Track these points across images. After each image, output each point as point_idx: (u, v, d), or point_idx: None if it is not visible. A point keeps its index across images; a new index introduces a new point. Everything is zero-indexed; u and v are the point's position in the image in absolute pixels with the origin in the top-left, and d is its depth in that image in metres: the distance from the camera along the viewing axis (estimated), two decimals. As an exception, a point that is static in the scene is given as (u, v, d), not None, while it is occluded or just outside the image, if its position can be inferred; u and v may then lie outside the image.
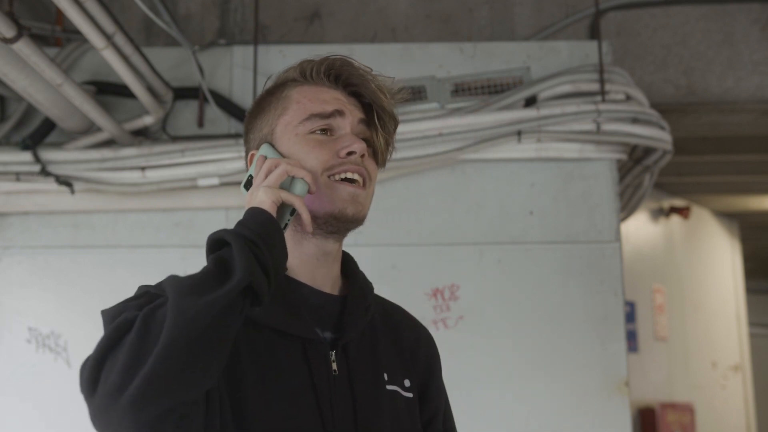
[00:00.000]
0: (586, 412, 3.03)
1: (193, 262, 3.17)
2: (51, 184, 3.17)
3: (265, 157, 1.21)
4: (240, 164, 3.16)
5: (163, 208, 3.24)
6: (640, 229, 5.14)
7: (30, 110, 3.26)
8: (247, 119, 1.32)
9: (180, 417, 1.00)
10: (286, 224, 1.16)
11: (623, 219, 3.84)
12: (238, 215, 3.70)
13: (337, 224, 1.22)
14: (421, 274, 3.15)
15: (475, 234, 3.18)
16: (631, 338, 4.72)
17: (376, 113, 1.26)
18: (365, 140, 1.25)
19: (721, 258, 6.17)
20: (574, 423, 3.03)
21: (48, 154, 3.17)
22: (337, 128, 1.24)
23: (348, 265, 1.32)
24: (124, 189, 3.18)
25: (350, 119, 1.24)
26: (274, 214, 1.11)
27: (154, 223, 3.24)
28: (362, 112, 1.26)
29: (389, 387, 1.26)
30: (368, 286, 1.32)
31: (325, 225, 1.22)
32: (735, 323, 6.10)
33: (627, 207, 3.81)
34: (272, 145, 1.23)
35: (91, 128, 3.21)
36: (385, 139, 1.28)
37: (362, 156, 1.23)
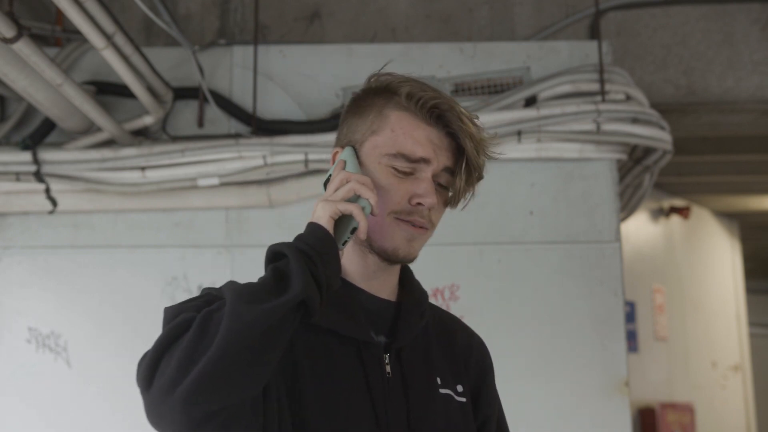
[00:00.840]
0: (586, 412, 3.03)
1: (193, 262, 3.17)
2: (51, 184, 3.17)
3: (345, 163, 1.24)
4: (239, 164, 3.16)
5: (163, 208, 3.23)
6: (640, 229, 5.14)
7: (30, 110, 3.26)
8: (347, 110, 1.32)
9: (227, 417, 1.04)
10: (347, 240, 1.19)
11: (623, 219, 3.84)
12: (237, 215, 3.68)
13: (387, 258, 1.26)
14: (421, 274, 3.13)
15: (475, 234, 3.18)
16: (631, 338, 4.72)
17: (465, 162, 1.27)
18: (445, 184, 1.27)
19: (721, 258, 6.17)
20: (574, 423, 3.03)
21: (48, 154, 3.17)
22: (419, 169, 1.25)
23: (404, 273, 1.36)
24: (124, 189, 3.18)
25: (434, 166, 1.25)
26: (331, 228, 1.15)
27: (154, 223, 3.24)
28: (451, 155, 1.27)
29: (442, 391, 1.29)
30: (423, 294, 1.37)
31: (377, 253, 1.26)
32: (735, 323, 6.11)
33: (627, 207, 3.81)
34: (356, 152, 1.26)
35: (91, 128, 3.21)
36: (465, 188, 1.30)
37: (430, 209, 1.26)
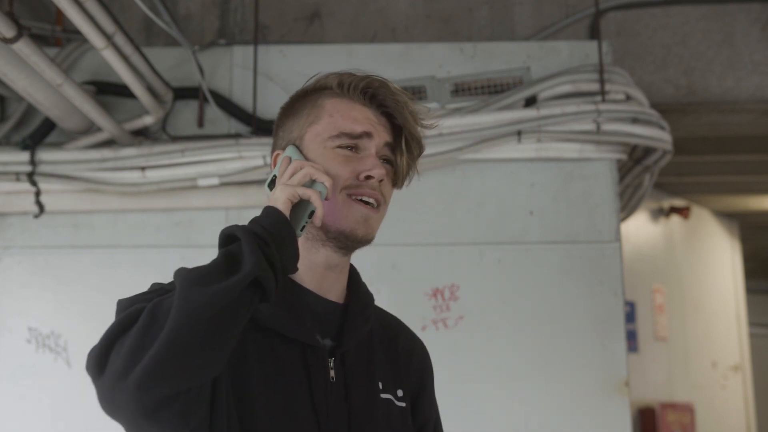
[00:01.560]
0: (586, 412, 3.03)
1: (193, 262, 3.16)
2: (51, 184, 3.18)
3: (290, 159, 1.25)
4: (239, 164, 3.16)
5: (163, 208, 3.23)
6: (640, 229, 5.14)
7: (30, 110, 3.26)
8: (279, 117, 1.34)
9: (182, 406, 1.02)
10: (305, 225, 1.19)
11: (623, 219, 3.84)
12: (238, 215, 3.68)
13: (346, 242, 1.25)
14: (421, 274, 3.15)
15: (475, 234, 3.18)
16: (631, 338, 4.72)
17: (404, 137, 1.29)
18: (388, 161, 1.29)
19: (721, 258, 6.17)
20: (574, 423, 3.03)
21: (48, 154, 3.17)
22: (363, 147, 1.27)
23: (351, 275, 1.35)
24: (124, 189, 3.18)
25: (377, 141, 1.27)
26: (288, 212, 1.14)
27: (154, 223, 3.24)
28: (390, 133, 1.30)
29: (383, 396, 1.29)
30: (369, 297, 1.36)
31: (334, 240, 1.25)
32: (735, 323, 6.10)
33: (627, 207, 3.81)
34: (298, 148, 1.27)
35: (91, 128, 3.21)
36: (408, 163, 1.32)
37: (380, 181, 1.26)
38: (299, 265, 1.22)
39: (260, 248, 1.06)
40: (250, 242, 1.06)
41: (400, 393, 1.33)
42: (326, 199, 1.20)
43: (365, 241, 1.27)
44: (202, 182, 3.18)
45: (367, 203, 1.25)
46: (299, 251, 1.18)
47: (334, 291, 1.29)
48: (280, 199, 1.15)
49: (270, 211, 1.13)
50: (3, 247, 3.26)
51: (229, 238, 1.10)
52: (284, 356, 1.21)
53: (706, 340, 5.68)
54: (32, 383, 3.15)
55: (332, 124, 1.26)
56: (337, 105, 1.28)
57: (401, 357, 1.37)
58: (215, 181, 3.17)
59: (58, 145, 3.21)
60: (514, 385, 3.06)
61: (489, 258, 3.15)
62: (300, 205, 1.18)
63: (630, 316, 4.70)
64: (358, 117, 1.27)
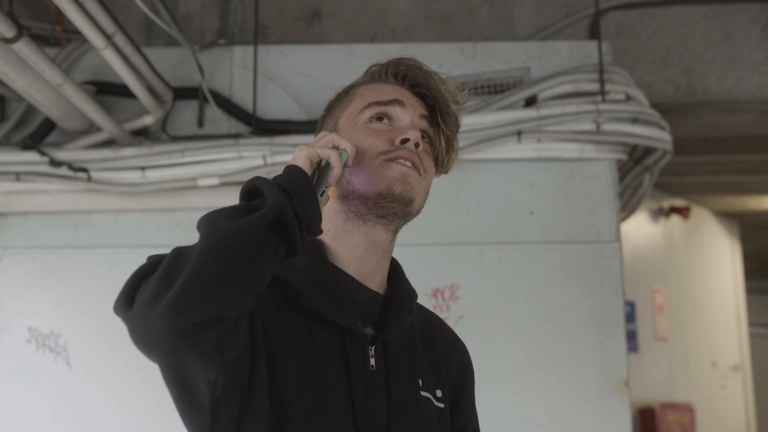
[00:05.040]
0: (586, 412, 3.03)
1: (193, 262, 3.17)
2: (51, 184, 3.18)
3: None
4: (239, 164, 3.16)
5: (163, 208, 3.23)
6: (640, 229, 5.14)
7: (30, 110, 3.26)
8: (318, 122, 1.35)
9: (217, 335, 0.99)
10: (324, 191, 1.16)
11: (623, 219, 3.84)
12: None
13: (385, 204, 1.21)
14: (421, 274, 3.14)
15: (475, 234, 3.18)
16: (631, 338, 4.72)
17: (439, 113, 1.27)
18: (426, 135, 1.27)
19: (721, 258, 6.17)
20: (574, 423, 3.03)
21: (48, 154, 3.17)
22: (396, 119, 1.25)
23: (395, 270, 1.33)
24: (124, 189, 3.18)
25: (411, 112, 1.26)
26: (308, 169, 1.13)
27: (154, 223, 3.24)
28: (426, 111, 1.28)
29: (423, 393, 1.26)
30: (413, 291, 1.34)
31: (374, 207, 1.21)
32: (735, 323, 6.11)
33: (627, 207, 3.81)
34: None
35: (91, 128, 3.21)
36: (447, 140, 1.29)
37: (417, 146, 1.23)
38: (341, 248, 1.22)
39: (284, 198, 1.04)
40: (272, 189, 1.04)
41: (439, 393, 1.28)
42: (346, 165, 1.18)
43: (403, 200, 1.21)
44: (202, 182, 3.18)
45: (405, 165, 1.22)
46: (340, 234, 1.21)
47: (375, 278, 1.26)
48: (300, 157, 1.13)
49: (290, 168, 1.11)
50: (3, 247, 3.26)
51: (249, 192, 1.08)
52: (322, 340, 1.17)
53: (706, 340, 5.68)
54: (32, 383, 3.15)
55: (362, 100, 1.26)
56: (368, 87, 1.29)
57: (440, 355, 1.33)
58: (215, 181, 3.17)
59: (58, 145, 3.22)
60: (514, 385, 3.06)
61: (489, 258, 3.15)
62: (322, 172, 1.16)
63: (630, 316, 4.71)
64: (388, 90, 1.27)
